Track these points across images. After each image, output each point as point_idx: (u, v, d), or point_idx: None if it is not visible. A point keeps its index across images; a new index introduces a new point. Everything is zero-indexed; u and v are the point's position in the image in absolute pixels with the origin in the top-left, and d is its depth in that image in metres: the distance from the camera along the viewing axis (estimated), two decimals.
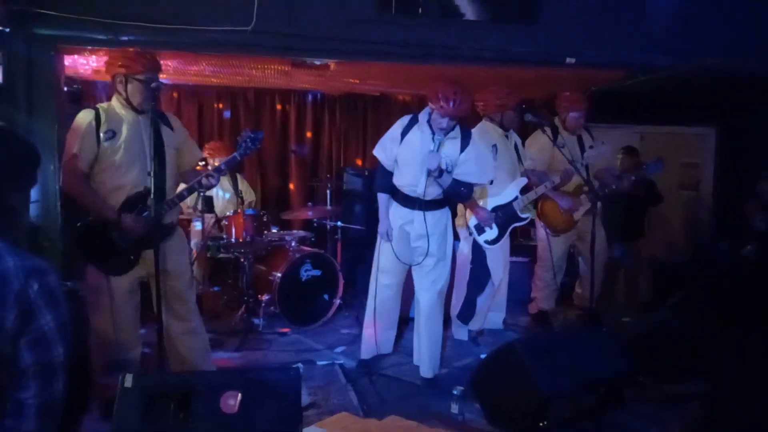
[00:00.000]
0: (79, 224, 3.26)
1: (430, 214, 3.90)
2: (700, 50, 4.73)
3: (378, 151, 4.01)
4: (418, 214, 3.90)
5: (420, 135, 3.82)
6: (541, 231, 5.16)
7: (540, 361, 3.23)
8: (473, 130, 4.63)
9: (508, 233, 4.64)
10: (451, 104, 3.64)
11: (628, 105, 6.12)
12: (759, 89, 5.66)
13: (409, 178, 3.86)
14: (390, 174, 3.98)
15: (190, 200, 5.27)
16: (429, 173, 3.73)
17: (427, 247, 3.89)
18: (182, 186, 3.50)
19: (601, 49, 4.66)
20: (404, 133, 3.87)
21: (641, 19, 4.67)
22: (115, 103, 3.33)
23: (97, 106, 3.33)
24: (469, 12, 4.37)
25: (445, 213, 4.04)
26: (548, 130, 4.53)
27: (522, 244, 6.15)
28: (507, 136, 4.70)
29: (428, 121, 3.81)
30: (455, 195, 3.98)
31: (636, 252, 5.97)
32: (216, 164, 4.44)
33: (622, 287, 6.11)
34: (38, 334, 1.40)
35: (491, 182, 4.53)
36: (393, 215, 3.99)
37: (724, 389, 3.76)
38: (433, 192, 3.87)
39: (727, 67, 4.86)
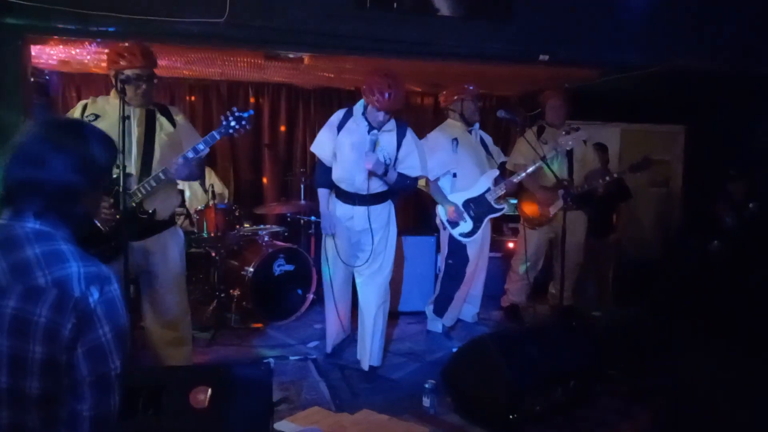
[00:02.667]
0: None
1: (371, 209, 3.87)
2: (671, 48, 4.81)
3: (315, 147, 3.97)
4: (358, 210, 3.88)
5: (356, 128, 3.80)
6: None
7: (510, 354, 3.27)
8: (435, 130, 4.72)
9: (484, 225, 4.67)
10: (386, 97, 3.62)
11: (606, 103, 6.19)
12: (727, 88, 5.77)
13: (347, 173, 3.83)
14: (329, 169, 3.93)
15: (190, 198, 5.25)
16: (370, 174, 3.72)
17: (372, 244, 3.86)
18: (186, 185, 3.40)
19: (575, 46, 4.71)
20: (340, 127, 3.84)
21: (614, 17, 4.72)
22: (112, 95, 3.32)
23: (90, 98, 3.35)
24: (444, 8, 4.37)
25: (386, 207, 4.01)
26: (533, 128, 4.61)
27: (494, 239, 6.20)
28: (471, 132, 4.74)
29: (363, 114, 3.79)
30: (402, 188, 3.98)
31: (607, 248, 6.05)
32: None
33: (594, 283, 6.20)
34: (95, 345, 1.35)
35: (455, 175, 4.59)
36: (334, 212, 3.96)
37: (691, 383, 3.84)
38: (375, 187, 3.84)
39: (696, 66, 4.94)
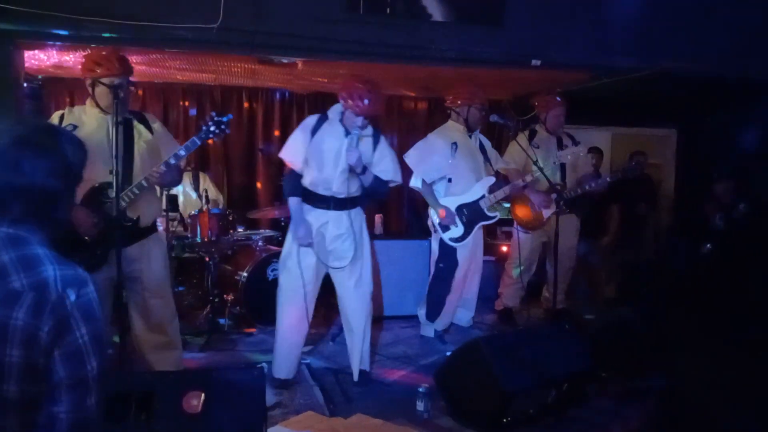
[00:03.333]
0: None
1: (345, 213, 3.84)
2: (661, 53, 4.84)
3: (286, 154, 3.83)
4: (333, 215, 3.82)
5: (331, 132, 3.75)
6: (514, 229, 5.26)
7: (503, 357, 3.27)
8: (435, 131, 4.74)
9: (475, 231, 4.68)
10: (365, 103, 3.63)
11: (598, 106, 6.23)
12: (717, 91, 5.82)
13: (323, 177, 3.76)
14: (299, 177, 3.82)
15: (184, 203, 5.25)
16: (351, 170, 3.69)
17: (354, 249, 3.82)
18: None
19: (566, 51, 4.74)
20: (313, 132, 3.77)
21: (604, 22, 4.75)
22: (88, 104, 3.32)
23: (67, 108, 3.34)
24: (436, 13, 4.39)
25: (359, 212, 3.95)
26: (525, 132, 4.62)
27: (488, 243, 6.22)
28: (471, 137, 4.75)
29: (340, 120, 3.76)
30: (376, 192, 3.93)
31: (599, 250, 6.09)
32: None
33: (586, 286, 6.23)
34: (73, 347, 1.35)
35: (449, 180, 4.60)
36: (305, 214, 3.83)
37: (683, 384, 3.86)
38: (353, 190, 3.81)
39: (686, 70, 4.98)
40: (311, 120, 3.83)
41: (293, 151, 3.80)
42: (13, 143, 1.40)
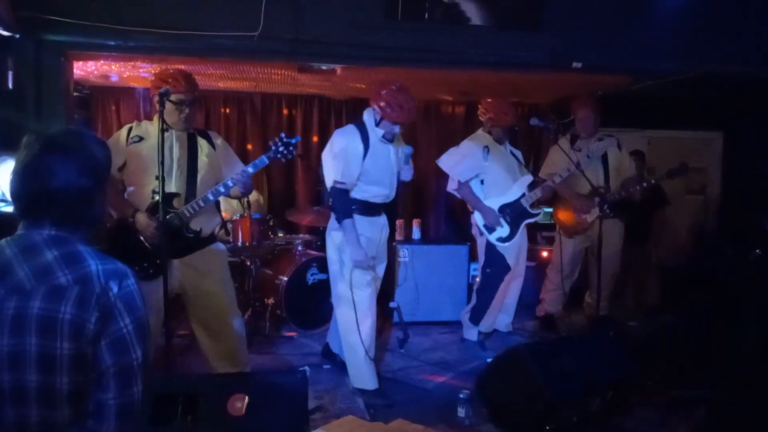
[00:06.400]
0: (107, 224, 3.31)
1: (383, 218, 3.98)
2: (706, 54, 4.73)
3: (346, 177, 3.68)
4: (383, 218, 3.98)
5: (380, 145, 3.78)
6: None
7: (546, 365, 3.24)
8: (468, 138, 4.79)
9: (521, 230, 4.67)
10: (403, 110, 3.65)
11: (636, 109, 6.12)
12: (765, 93, 5.65)
13: (383, 188, 3.84)
14: (349, 194, 3.75)
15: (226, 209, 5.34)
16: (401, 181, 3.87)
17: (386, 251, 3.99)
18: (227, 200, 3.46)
19: (607, 53, 4.66)
20: (365, 147, 3.71)
21: (647, 24, 4.66)
22: (154, 119, 3.39)
23: (135, 121, 3.53)
24: (475, 17, 4.37)
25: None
26: (567, 136, 4.57)
27: (529, 248, 6.15)
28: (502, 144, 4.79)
29: (376, 126, 3.77)
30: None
31: (644, 256, 5.97)
32: None
33: (630, 292, 6.11)
34: (118, 336, 1.43)
35: (482, 181, 4.66)
36: (364, 230, 3.78)
37: (730, 394, 3.75)
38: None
39: (732, 71, 4.86)
40: (352, 136, 3.72)
41: (346, 173, 3.69)
42: (42, 150, 1.46)
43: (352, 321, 3.76)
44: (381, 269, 4.04)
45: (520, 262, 4.87)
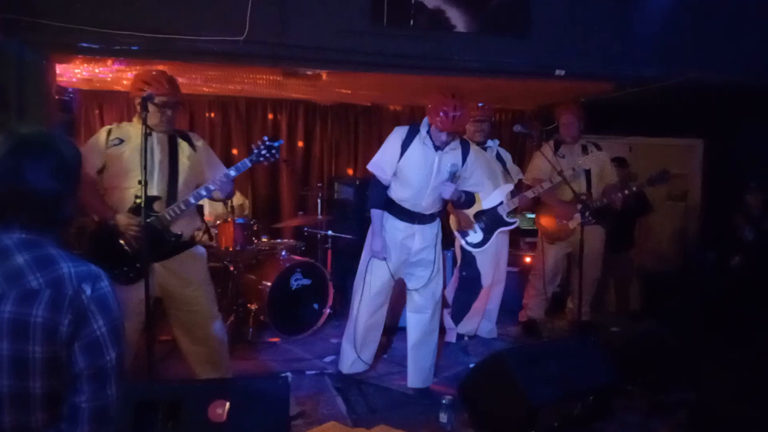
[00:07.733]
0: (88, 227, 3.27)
1: (428, 227, 3.89)
2: (687, 62, 4.79)
3: (375, 167, 3.80)
4: (418, 228, 3.85)
5: (422, 148, 3.70)
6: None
7: (528, 370, 3.25)
8: None
9: (495, 238, 4.68)
10: (450, 118, 3.52)
11: (618, 116, 6.18)
12: (745, 101, 5.73)
13: (412, 194, 3.77)
14: (385, 188, 3.83)
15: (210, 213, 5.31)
16: (444, 199, 3.77)
17: (434, 262, 3.89)
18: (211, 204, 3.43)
19: (591, 61, 4.71)
20: (404, 146, 3.71)
21: (630, 32, 4.72)
22: (135, 120, 3.37)
23: (115, 123, 3.47)
24: (460, 24, 4.40)
25: (437, 224, 3.99)
26: (550, 142, 4.60)
27: (511, 254, 6.18)
28: (485, 149, 4.79)
29: (428, 132, 3.71)
30: (465, 204, 3.94)
31: (626, 262, 6.02)
32: None
33: (612, 297, 6.16)
34: (91, 339, 1.41)
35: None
36: (391, 229, 3.85)
37: (711, 398, 3.79)
38: (437, 205, 3.88)
39: (714, 79, 4.92)
40: (401, 133, 3.77)
41: (383, 166, 3.76)
42: (10, 152, 1.44)
43: (357, 300, 3.93)
44: (419, 276, 3.93)
45: (500, 268, 4.90)
